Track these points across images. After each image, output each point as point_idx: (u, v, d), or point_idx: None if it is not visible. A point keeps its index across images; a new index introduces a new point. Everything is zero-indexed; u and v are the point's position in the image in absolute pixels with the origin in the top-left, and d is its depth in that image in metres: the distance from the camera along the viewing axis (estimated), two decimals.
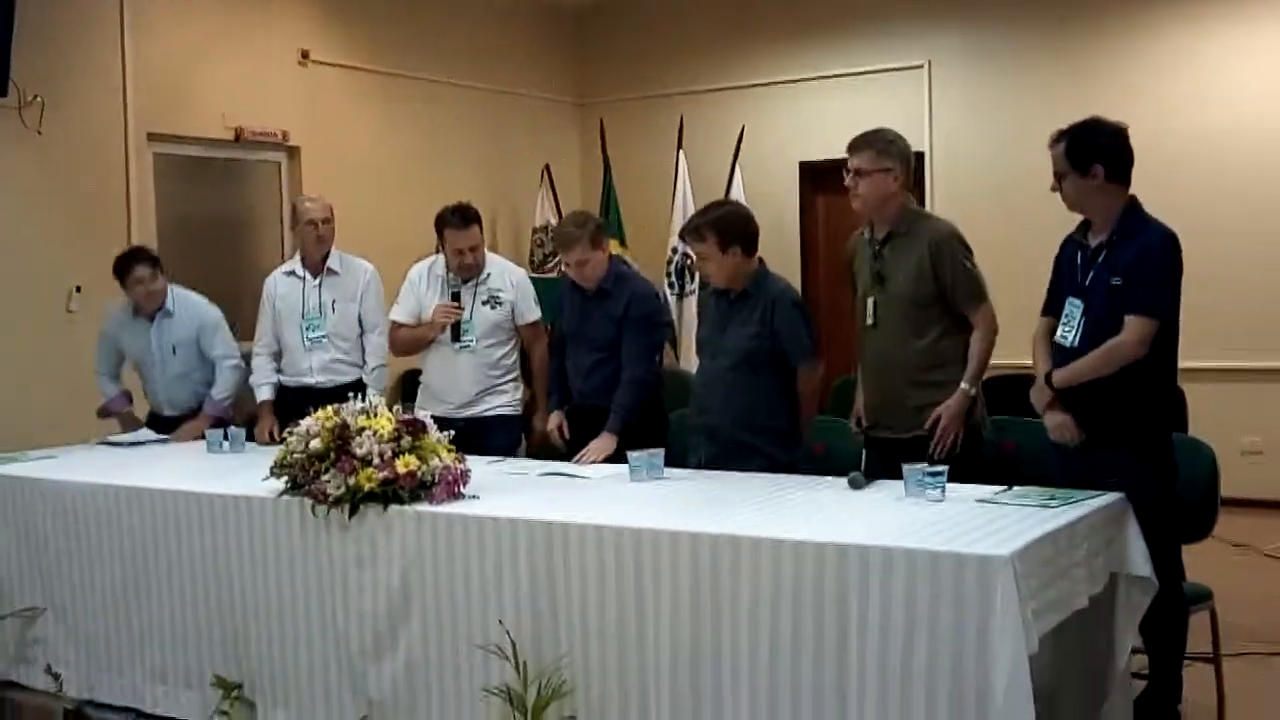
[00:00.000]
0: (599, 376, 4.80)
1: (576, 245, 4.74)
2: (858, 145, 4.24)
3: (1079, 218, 3.92)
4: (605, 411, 4.64)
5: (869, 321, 4.27)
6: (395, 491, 3.63)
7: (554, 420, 4.94)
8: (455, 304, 5.15)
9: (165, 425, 5.62)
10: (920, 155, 7.89)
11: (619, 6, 9.70)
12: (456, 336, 5.15)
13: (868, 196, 4.22)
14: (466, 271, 5.17)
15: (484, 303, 5.18)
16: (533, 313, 5.28)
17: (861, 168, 4.20)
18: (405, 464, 3.64)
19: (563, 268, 4.90)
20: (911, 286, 4.14)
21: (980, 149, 8.23)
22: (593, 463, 4.43)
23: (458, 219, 5.11)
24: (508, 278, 5.27)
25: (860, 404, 4.38)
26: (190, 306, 5.68)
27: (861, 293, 4.33)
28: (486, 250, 5.32)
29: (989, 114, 8.36)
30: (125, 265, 5.59)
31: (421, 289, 5.28)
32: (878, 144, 4.22)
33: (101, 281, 5.78)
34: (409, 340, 5.34)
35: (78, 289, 6.55)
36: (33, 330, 6.42)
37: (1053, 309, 3.94)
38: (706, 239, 4.32)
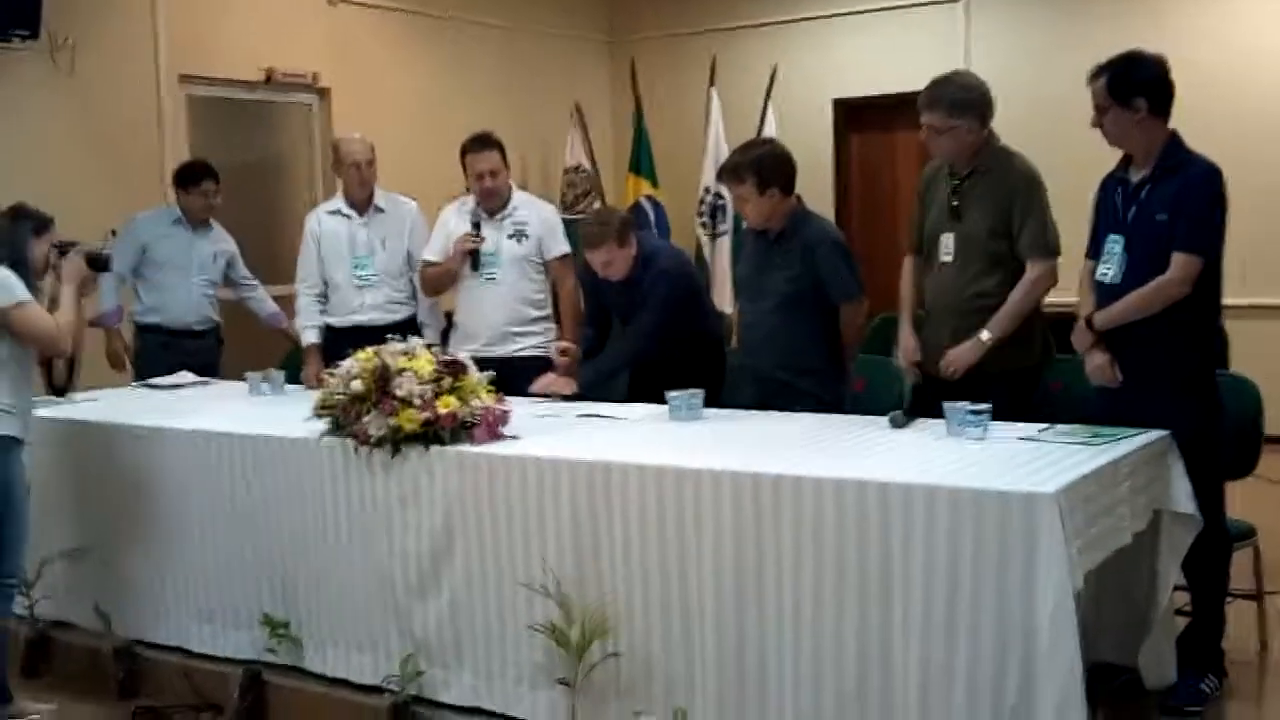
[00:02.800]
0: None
1: (601, 244, 4.55)
2: (929, 103, 4.12)
3: (1119, 153, 3.85)
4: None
5: (944, 259, 4.17)
6: (436, 432, 3.65)
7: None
8: (474, 234, 5.13)
9: (173, 339, 5.81)
10: None
11: None
12: (476, 266, 5.14)
13: (945, 152, 4.15)
14: (489, 199, 5.14)
15: (509, 236, 5.16)
16: (560, 247, 5.23)
17: (934, 125, 4.10)
18: (445, 404, 3.65)
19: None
20: (989, 224, 4.06)
21: (1018, 84, 8.02)
22: (541, 390, 4.54)
23: (476, 143, 5.11)
24: (535, 212, 5.25)
25: (911, 344, 4.26)
26: (219, 228, 6.05)
27: (932, 230, 4.23)
28: (516, 188, 5.30)
29: (1026, 48, 8.20)
30: (199, 173, 5.88)
31: (450, 227, 5.26)
32: (948, 100, 4.09)
33: None
34: (435, 277, 5.32)
35: (113, 233, 6.51)
36: None
37: (1095, 251, 3.87)
38: (745, 180, 4.27)
